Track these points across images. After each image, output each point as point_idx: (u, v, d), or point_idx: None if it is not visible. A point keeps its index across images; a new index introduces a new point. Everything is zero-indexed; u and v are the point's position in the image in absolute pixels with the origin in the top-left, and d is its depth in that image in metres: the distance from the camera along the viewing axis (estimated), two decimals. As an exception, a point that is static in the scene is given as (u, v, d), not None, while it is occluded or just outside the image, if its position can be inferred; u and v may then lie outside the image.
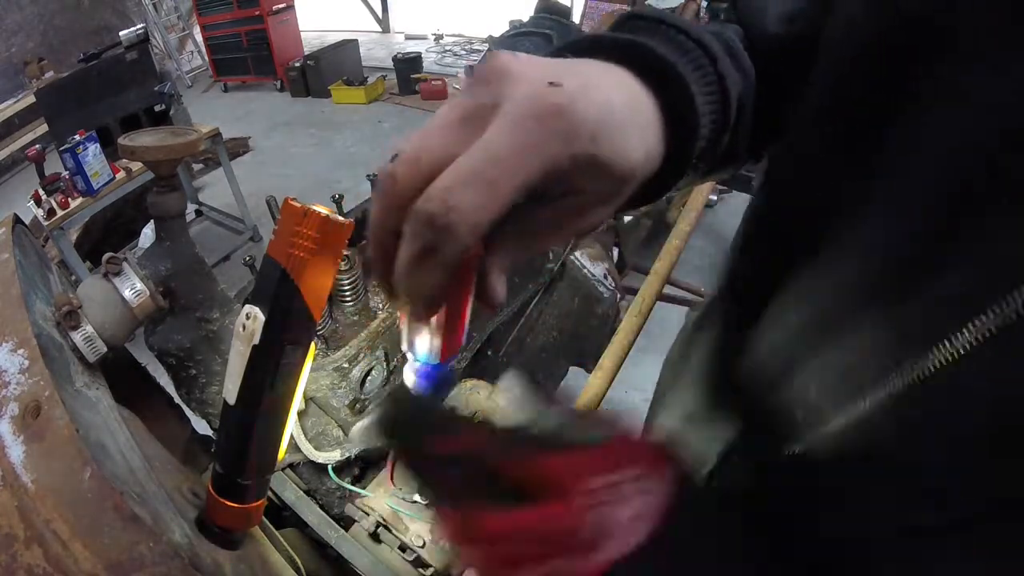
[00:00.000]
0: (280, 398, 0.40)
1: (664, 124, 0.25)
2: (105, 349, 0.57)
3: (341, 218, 0.34)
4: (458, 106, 0.23)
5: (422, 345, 0.28)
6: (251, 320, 0.36)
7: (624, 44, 0.27)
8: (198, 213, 3.25)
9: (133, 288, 0.60)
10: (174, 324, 0.70)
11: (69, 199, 2.15)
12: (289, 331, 0.37)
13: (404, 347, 0.29)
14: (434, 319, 0.27)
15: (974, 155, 0.21)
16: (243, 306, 0.37)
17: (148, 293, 0.61)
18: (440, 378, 0.34)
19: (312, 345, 0.41)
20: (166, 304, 0.66)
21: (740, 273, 0.41)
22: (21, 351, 0.45)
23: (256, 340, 0.36)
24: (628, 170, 0.23)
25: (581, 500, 0.22)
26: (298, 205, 0.34)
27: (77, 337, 0.55)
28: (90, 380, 0.54)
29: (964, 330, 0.19)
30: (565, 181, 0.23)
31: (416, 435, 0.25)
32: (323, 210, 0.33)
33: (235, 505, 0.44)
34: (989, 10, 0.20)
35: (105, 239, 2.72)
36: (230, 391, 0.39)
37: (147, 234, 2.54)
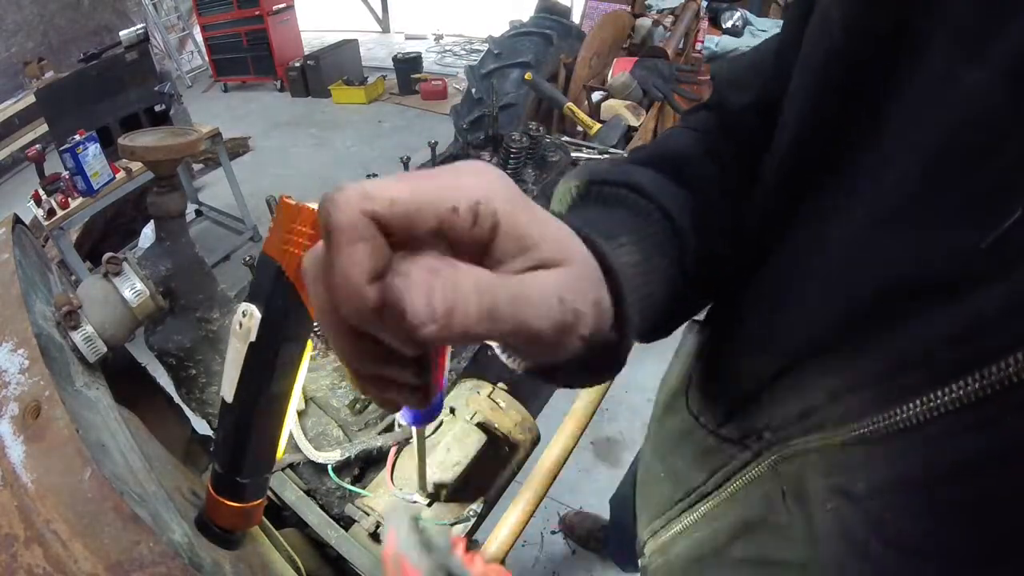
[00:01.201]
0: (278, 396, 0.40)
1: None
2: (105, 349, 0.57)
3: None
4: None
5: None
6: (247, 318, 0.36)
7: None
8: (198, 213, 3.24)
9: (133, 288, 0.61)
10: (174, 324, 0.70)
11: (69, 199, 2.15)
12: (286, 328, 0.37)
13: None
14: None
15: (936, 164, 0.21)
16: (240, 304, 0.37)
17: (148, 293, 0.61)
18: (425, 413, 0.36)
19: (309, 342, 0.41)
20: (166, 304, 0.66)
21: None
22: (21, 351, 0.45)
23: (252, 338, 0.36)
24: (549, 250, 0.20)
25: None
26: (293, 203, 0.34)
27: (77, 337, 0.55)
28: (90, 380, 0.54)
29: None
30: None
31: None
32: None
33: (234, 504, 0.44)
34: (957, 19, 0.20)
35: (105, 239, 2.71)
36: (227, 389, 0.39)
37: (147, 234, 2.54)
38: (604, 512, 1.57)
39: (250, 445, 0.42)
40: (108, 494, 0.37)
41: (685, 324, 0.42)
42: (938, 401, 0.20)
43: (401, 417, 0.40)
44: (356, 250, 0.17)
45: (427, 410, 0.36)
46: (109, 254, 0.61)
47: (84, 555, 0.36)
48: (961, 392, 0.19)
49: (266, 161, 4.03)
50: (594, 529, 1.57)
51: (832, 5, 0.26)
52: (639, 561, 0.58)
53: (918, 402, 0.21)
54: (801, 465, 0.29)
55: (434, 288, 0.17)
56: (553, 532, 1.64)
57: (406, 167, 1.26)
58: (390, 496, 0.68)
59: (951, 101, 0.20)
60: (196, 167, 3.64)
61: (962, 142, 0.20)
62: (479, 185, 0.19)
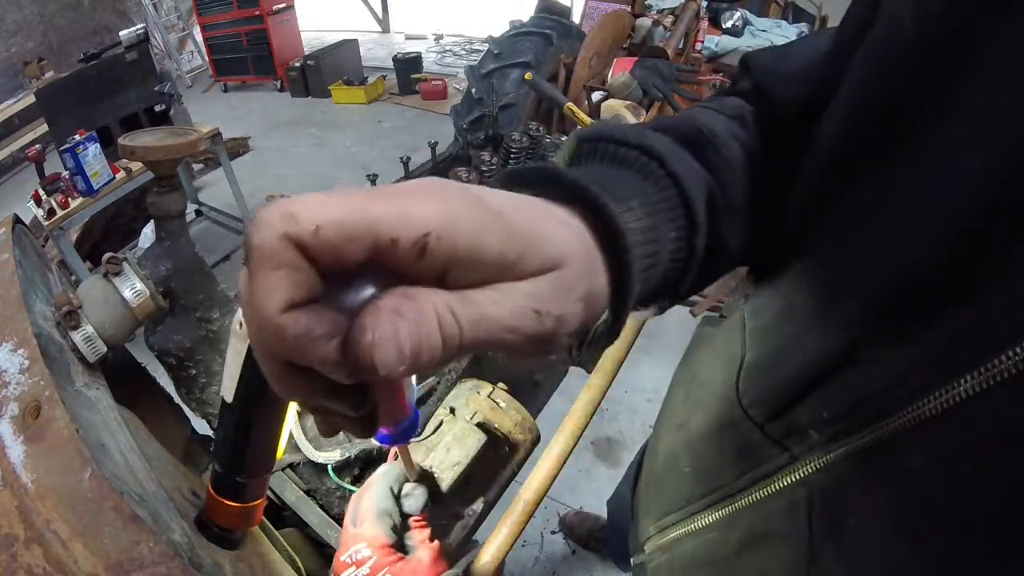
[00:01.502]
0: (278, 396, 0.40)
1: (599, 244, 0.23)
2: (105, 349, 0.57)
3: None
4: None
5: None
6: (249, 319, 0.36)
7: (535, 177, 0.24)
8: (198, 213, 3.25)
9: (133, 288, 0.61)
10: (174, 324, 0.70)
11: (69, 199, 2.15)
12: (287, 329, 0.37)
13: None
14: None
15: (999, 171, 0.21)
16: (242, 305, 0.37)
17: (148, 293, 0.61)
18: (399, 431, 0.35)
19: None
20: (166, 304, 0.66)
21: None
22: (21, 351, 0.45)
23: (254, 339, 0.36)
24: (538, 255, 0.19)
25: None
26: None
27: (77, 337, 0.55)
28: (90, 380, 0.54)
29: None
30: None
31: None
32: None
33: (234, 504, 0.44)
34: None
35: (105, 239, 2.72)
36: (228, 389, 0.39)
37: (147, 234, 2.54)
38: (604, 512, 1.57)
39: (250, 445, 0.42)
40: (108, 494, 0.37)
41: (702, 317, 0.40)
42: (1009, 362, 0.20)
43: (382, 440, 0.41)
44: (272, 277, 0.15)
45: (398, 431, 0.36)
46: (109, 254, 0.61)
47: (84, 555, 0.36)
48: None
49: (266, 161, 4.03)
50: (594, 529, 1.57)
51: (903, 6, 0.26)
52: (633, 559, 0.57)
53: (988, 366, 0.21)
54: (840, 469, 0.29)
55: (399, 332, 0.16)
56: (553, 532, 1.64)
57: (406, 167, 1.26)
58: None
59: (1011, 104, 0.20)
60: (196, 167, 3.65)
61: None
62: (432, 213, 0.17)
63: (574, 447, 0.72)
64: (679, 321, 1.98)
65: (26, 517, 0.37)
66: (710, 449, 0.43)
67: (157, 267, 0.66)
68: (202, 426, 0.78)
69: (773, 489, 0.34)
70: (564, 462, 0.70)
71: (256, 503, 0.46)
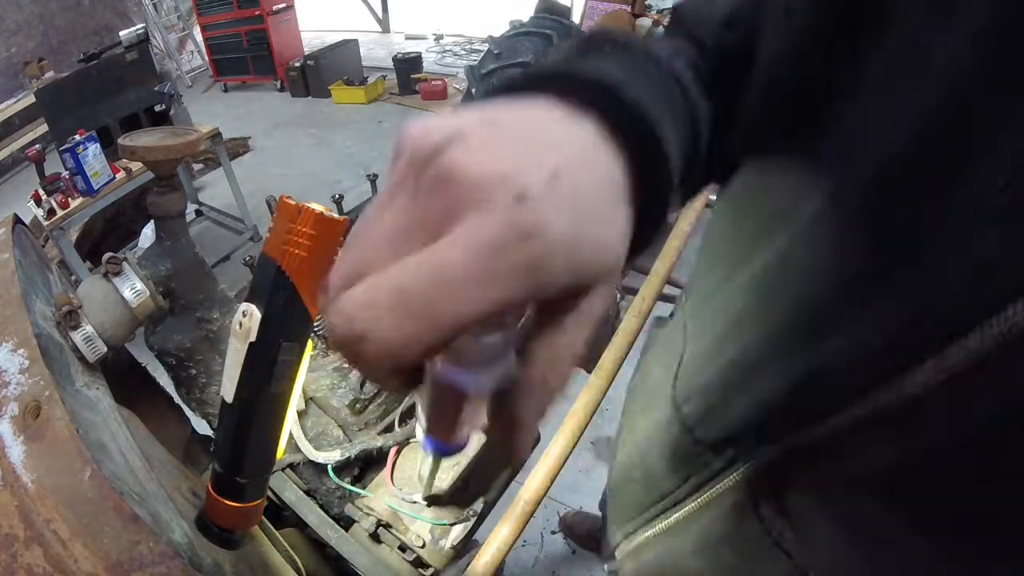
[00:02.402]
0: (278, 396, 0.40)
1: (635, 182, 0.20)
2: (105, 349, 0.57)
3: (335, 215, 0.34)
4: (401, 212, 0.17)
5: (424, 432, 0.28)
6: (247, 318, 0.36)
7: (593, 85, 0.21)
8: (198, 213, 3.25)
9: (133, 288, 0.61)
10: (174, 324, 0.70)
11: (69, 199, 2.15)
12: (286, 328, 0.37)
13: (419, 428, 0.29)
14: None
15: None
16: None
17: (148, 293, 0.61)
18: (450, 449, 0.37)
19: (309, 342, 0.41)
20: (166, 304, 0.66)
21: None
22: (21, 351, 0.45)
23: (252, 338, 0.36)
24: (609, 267, 0.18)
25: None
26: (292, 203, 0.34)
27: (77, 337, 0.55)
28: (90, 380, 0.54)
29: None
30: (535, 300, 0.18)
31: None
32: (317, 207, 0.34)
33: (234, 504, 0.44)
34: None
35: (105, 239, 2.72)
36: (228, 389, 0.39)
37: (147, 234, 2.54)
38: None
39: (250, 445, 0.42)
40: (108, 494, 0.37)
41: (654, 317, 0.39)
42: (957, 358, 0.19)
43: (425, 445, 0.42)
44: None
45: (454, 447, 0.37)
46: (109, 254, 0.61)
47: (84, 555, 0.36)
48: (975, 345, 0.18)
49: (266, 161, 4.03)
50: (594, 529, 1.57)
51: None
52: (607, 566, 0.56)
53: (936, 360, 0.19)
54: (780, 471, 0.28)
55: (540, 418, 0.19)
56: (553, 532, 1.64)
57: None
58: (390, 495, 0.68)
59: (922, 71, 0.19)
60: (196, 167, 3.65)
61: (934, 116, 0.19)
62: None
63: (574, 447, 0.72)
64: (679, 321, 1.97)
65: (26, 517, 0.37)
66: (655, 455, 0.42)
67: (157, 267, 0.66)
68: (202, 426, 0.78)
69: (715, 494, 0.34)
70: (564, 462, 0.70)
71: (256, 503, 0.46)
